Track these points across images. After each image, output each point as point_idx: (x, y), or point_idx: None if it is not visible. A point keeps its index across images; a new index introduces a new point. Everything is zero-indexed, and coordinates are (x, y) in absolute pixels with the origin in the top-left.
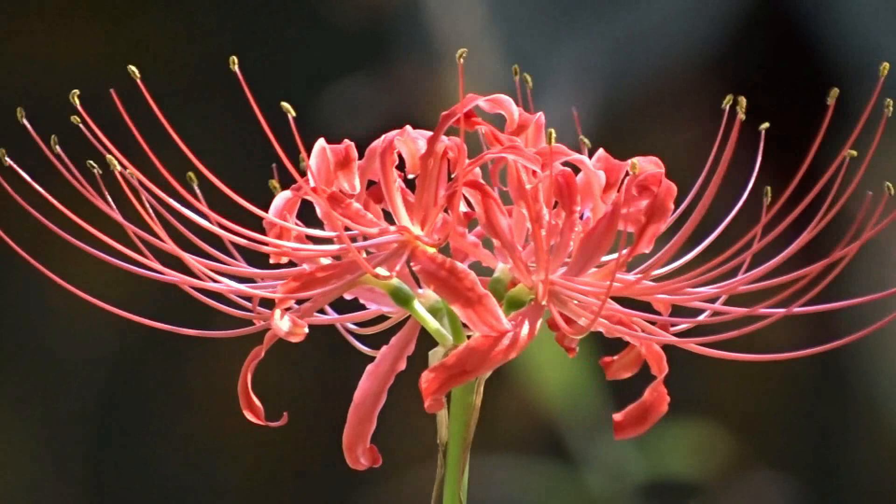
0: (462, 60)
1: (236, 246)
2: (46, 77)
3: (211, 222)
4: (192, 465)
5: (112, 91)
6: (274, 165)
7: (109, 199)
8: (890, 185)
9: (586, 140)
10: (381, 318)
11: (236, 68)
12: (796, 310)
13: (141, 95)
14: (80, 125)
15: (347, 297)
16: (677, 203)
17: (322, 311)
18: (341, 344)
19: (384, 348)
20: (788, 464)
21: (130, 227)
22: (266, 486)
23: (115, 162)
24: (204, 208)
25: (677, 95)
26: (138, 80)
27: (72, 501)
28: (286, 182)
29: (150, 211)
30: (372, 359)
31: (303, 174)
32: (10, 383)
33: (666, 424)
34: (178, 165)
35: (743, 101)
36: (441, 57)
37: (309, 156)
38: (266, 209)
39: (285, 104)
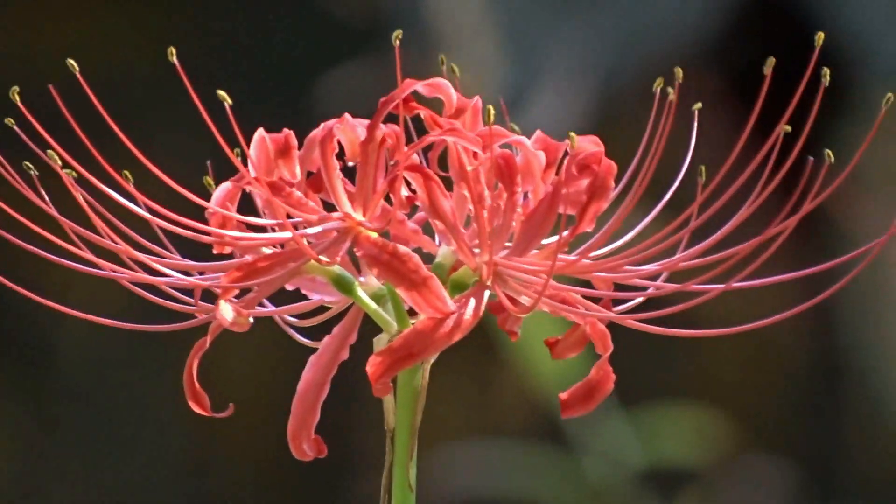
0: (397, 42)
1: (178, 239)
2: None
3: (152, 213)
4: (172, 454)
5: (51, 87)
6: (209, 161)
7: (42, 192)
8: (830, 152)
9: (515, 128)
10: (322, 308)
11: (174, 59)
12: (735, 284)
13: (75, 86)
14: (17, 118)
15: (289, 287)
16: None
17: (262, 305)
18: (284, 335)
19: (326, 338)
20: (786, 449)
21: (66, 222)
22: (247, 478)
23: (56, 156)
24: (144, 199)
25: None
26: (77, 74)
27: (61, 499)
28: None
29: (88, 205)
30: (314, 349)
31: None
32: None
33: (664, 410)
34: (121, 160)
35: (661, 81)
36: (438, 48)
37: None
38: (208, 200)
39: (221, 93)
